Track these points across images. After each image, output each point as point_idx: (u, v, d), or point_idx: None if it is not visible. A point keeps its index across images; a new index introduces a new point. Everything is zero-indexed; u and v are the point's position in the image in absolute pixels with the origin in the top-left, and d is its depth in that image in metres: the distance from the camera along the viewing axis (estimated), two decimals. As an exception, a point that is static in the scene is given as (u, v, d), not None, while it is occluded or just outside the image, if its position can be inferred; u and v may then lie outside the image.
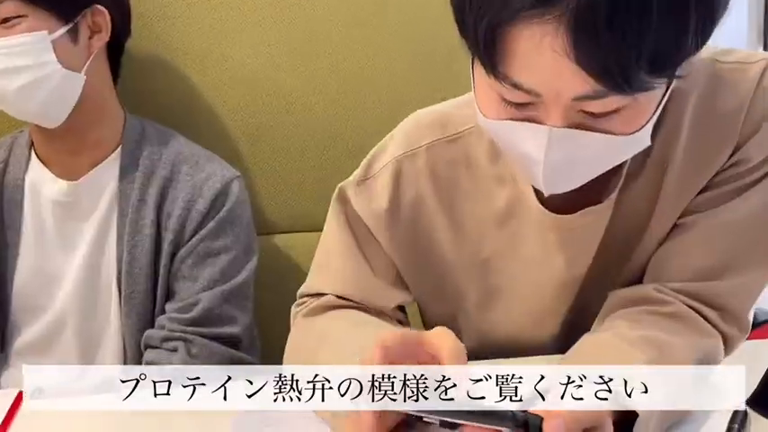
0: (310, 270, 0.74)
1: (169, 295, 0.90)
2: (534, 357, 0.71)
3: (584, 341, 0.62)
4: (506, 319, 0.70)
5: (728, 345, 0.64)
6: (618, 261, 0.67)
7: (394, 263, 0.69)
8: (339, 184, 0.71)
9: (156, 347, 0.87)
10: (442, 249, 0.69)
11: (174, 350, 0.85)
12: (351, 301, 0.69)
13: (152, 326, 0.89)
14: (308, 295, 0.73)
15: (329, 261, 0.71)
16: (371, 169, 0.69)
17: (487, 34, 0.49)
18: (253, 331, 0.96)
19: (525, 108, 0.52)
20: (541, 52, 0.47)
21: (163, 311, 0.89)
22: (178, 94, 1.08)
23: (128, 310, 0.89)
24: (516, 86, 0.50)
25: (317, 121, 1.11)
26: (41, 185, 0.91)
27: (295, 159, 1.12)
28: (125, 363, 0.90)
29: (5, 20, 0.80)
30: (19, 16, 0.80)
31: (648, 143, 0.56)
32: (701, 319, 0.62)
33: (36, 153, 0.92)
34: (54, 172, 0.91)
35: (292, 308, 0.74)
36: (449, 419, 0.45)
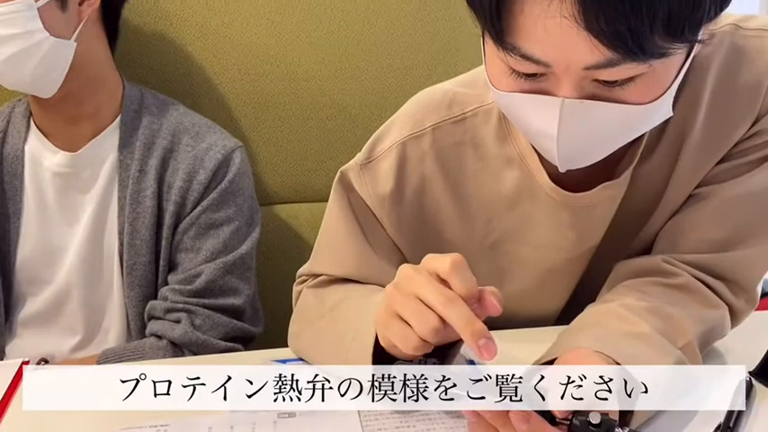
0: (312, 252, 0.73)
1: (171, 267, 0.90)
2: (539, 329, 0.71)
3: (589, 311, 0.61)
4: (514, 296, 0.69)
5: (735, 316, 0.63)
6: (629, 234, 0.66)
7: (398, 245, 0.68)
8: (341, 168, 0.69)
9: (160, 318, 0.87)
10: (449, 232, 0.68)
11: (178, 321, 0.85)
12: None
13: (155, 297, 0.89)
14: (308, 275, 0.72)
15: (331, 244, 0.70)
16: (375, 152, 0.67)
17: (494, 3, 0.47)
18: (255, 302, 0.96)
19: (536, 80, 0.51)
20: (549, 19, 0.45)
21: (166, 283, 0.89)
22: (178, 63, 1.06)
23: (130, 282, 0.89)
24: (525, 57, 0.48)
25: (319, 91, 1.09)
26: (41, 156, 0.90)
27: (297, 129, 1.10)
28: (129, 333, 0.90)
29: None
30: None
31: (670, 114, 0.54)
32: (708, 290, 0.62)
33: (35, 123, 0.91)
34: (54, 143, 0.90)
35: (294, 286, 0.74)
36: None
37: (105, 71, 0.91)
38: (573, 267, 0.68)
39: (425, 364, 0.46)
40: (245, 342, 0.91)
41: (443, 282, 0.49)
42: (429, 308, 0.48)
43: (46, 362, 0.87)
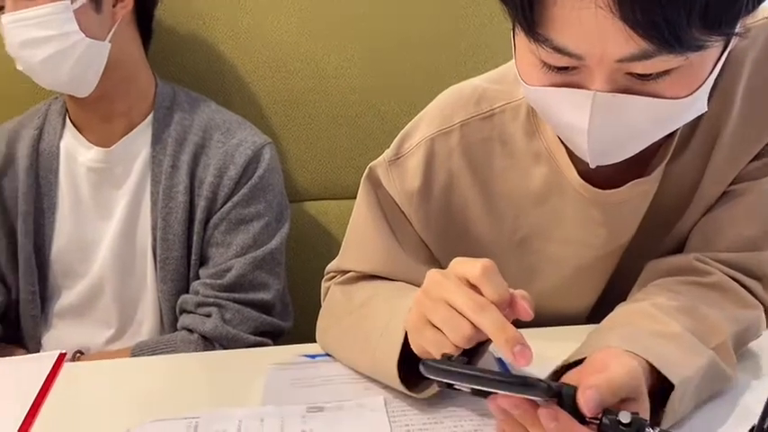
0: (341, 249, 0.73)
1: (203, 261, 0.91)
2: (569, 327, 0.70)
3: (619, 310, 0.60)
4: (543, 294, 0.69)
5: None
6: (660, 231, 0.65)
7: (425, 242, 0.68)
8: (369, 164, 0.69)
9: (191, 312, 0.88)
10: (477, 228, 0.68)
11: (208, 315, 0.87)
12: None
13: (187, 291, 0.91)
14: (336, 271, 0.73)
15: (359, 241, 0.70)
16: (403, 148, 0.67)
17: None
18: (285, 297, 0.97)
19: (568, 73, 0.50)
20: (583, 10, 0.45)
21: (197, 277, 0.91)
22: (210, 61, 1.08)
23: (163, 276, 0.90)
24: (558, 49, 0.47)
25: (348, 88, 1.10)
26: (76, 152, 0.92)
27: (326, 126, 1.11)
28: (162, 326, 0.92)
29: None
30: None
31: (704, 109, 0.53)
32: (743, 289, 0.60)
33: (71, 120, 0.93)
34: (88, 139, 0.92)
35: (322, 282, 0.75)
36: (480, 387, 0.45)
37: (139, 70, 0.93)
38: (603, 265, 0.67)
39: (454, 365, 0.45)
40: (275, 337, 0.92)
41: (473, 287, 0.49)
42: (460, 314, 0.48)
43: (81, 354, 0.89)
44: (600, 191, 0.61)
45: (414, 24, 1.08)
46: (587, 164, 0.56)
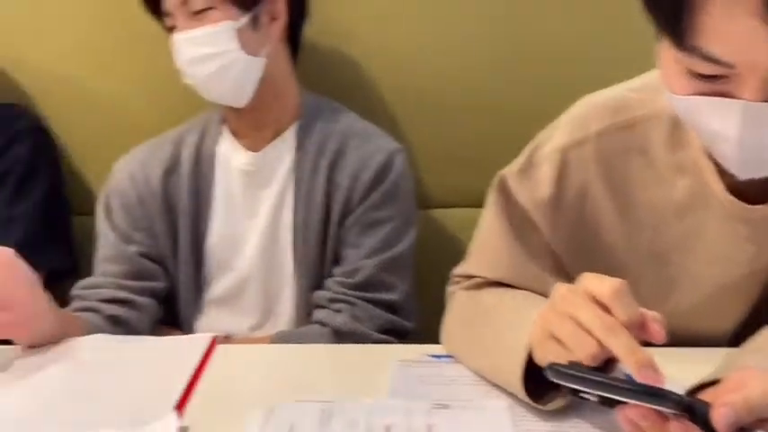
0: (467, 255, 0.75)
1: (337, 260, 0.97)
2: (706, 349, 0.67)
3: (764, 332, 0.57)
4: (680, 311, 0.66)
5: None
6: None
7: (554, 251, 0.68)
8: (499, 172, 0.70)
9: (324, 307, 0.94)
10: (611, 239, 0.66)
11: (339, 311, 0.92)
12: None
13: (321, 287, 0.96)
14: (462, 276, 0.74)
15: (486, 247, 0.71)
16: (535, 157, 0.68)
17: (675, 3, 0.46)
18: (411, 299, 1.00)
19: (716, 81, 0.49)
20: (734, 17, 0.44)
21: (331, 274, 0.96)
22: (349, 73, 1.14)
23: (301, 272, 0.97)
24: (707, 58, 0.46)
25: (480, 97, 1.12)
26: (230, 156, 1.00)
27: (457, 136, 1.13)
28: (298, 318, 0.98)
29: (197, 12, 0.89)
30: (208, 8, 0.89)
31: None
32: None
33: (228, 127, 1.02)
34: (242, 144, 1.00)
35: (448, 286, 0.77)
36: (608, 395, 0.44)
37: (287, 82, 1.00)
38: (749, 284, 0.64)
39: (582, 371, 0.45)
40: (400, 336, 0.95)
41: (602, 306, 0.48)
42: (587, 332, 0.48)
43: (228, 338, 0.97)
44: (748, 206, 0.59)
45: (551, 31, 1.08)
46: (735, 177, 0.54)
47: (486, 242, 0.72)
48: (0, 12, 1.15)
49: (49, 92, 1.18)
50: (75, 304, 0.92)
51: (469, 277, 0.73)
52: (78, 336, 0.78)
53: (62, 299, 0.91)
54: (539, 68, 1.09)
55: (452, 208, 1.17)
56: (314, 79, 1.11)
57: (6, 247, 0.71)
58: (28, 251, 0.75)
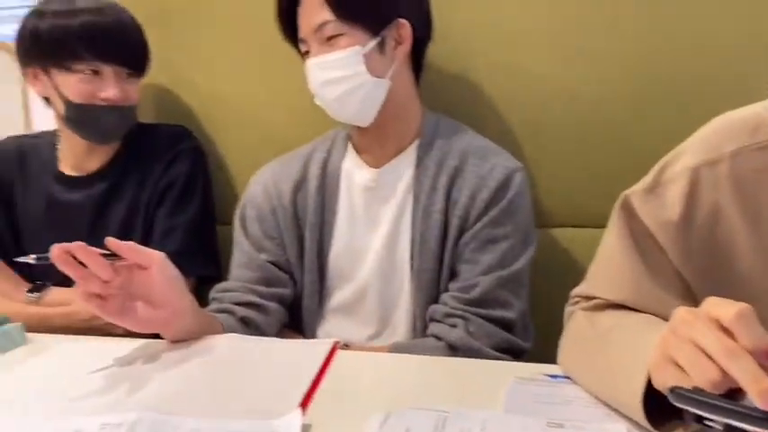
0: (587, 274, 0.74)
1: (453, 275, 0.98)
2: None
3: None
4: None
5: None
6: None
7: (680, 274, 0.66)
8: (624, 192, 0.69)
9: (440, 321, 0.95)
10: (744, 264, 0.63)
11: (455, 326, 0.93)
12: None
13: (437, 301, 0.98)
14: (581, 296, 0.73)
15: (608, 268, 0.70)
16: (663, 177, 0.66)
17: None
18: (526, 318, 1.00)
19: None
20: None
21: (447, 289, 0.98)
22: (469, 92, 1.16)
23: (417, 285, 0.99)
24: None
25: (602, 116, 1.10)
26: (354, 172, 1.05)
27: (578, 155, 1.12)
28: (414, 331, 1.01)
29: (328, 38, 0.96)
30: (339, 35, 0.95)
31: None
32: None
33: (352, 145, 1.07)
34: (365, 160, 1.05)
35: (566, 306, 0.76)
36: (735, 423, 0.42)
37: (410, 102, 1.04)
38: None
39: (707, 396, 0.44)
40: (515, 355, 0.95)
41: (726, 331, 0.46)
42: (708, 357, 0.46)
43: (347, 346, 1.02)
44: None
45: (677, 56, 1.05)
46: None
47: (607, 263, 0.70)
48: (171, 42, 1.29)
49: (202, 111, 1.31)
50: (213, 306, 1.00)
51: (589, 298, 0.72)
52: (216, 334, 0.86)
53: (207, 302, 1.01)
54: (669, 92, 1.05)
55: (573, 227, 1.14)
56: (435, 97, 1.14)
57: (158, 252, 0.80)
58: (180, 259, 0.84)
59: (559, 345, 0.73)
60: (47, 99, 1.16)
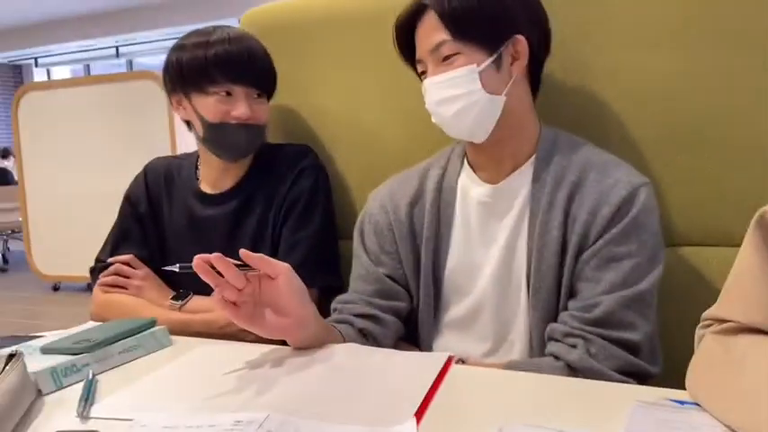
0: (720, 296, 0.70)
1: (572, 293, 0.96)
2: None
3: None
4: None
5: None
6: None
7: None
8: (760, 209, 0.65)
9: (558, 341, 0.93)
10: None
11: (574, 346, 0.90)
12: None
13: (555, 319, 0.96)
14: (713, 319, 0.69)
15: (743, 290, 0.66)
16: None
17: None
18: (654, 341, 0.95)
19: None
20: None
21: (566, 308, 0.95)
22: (589, 106, 1.13)
23: (534, 303, 0.97)
24: None
25: (736, 132, 1.03)
26: (469, 189, 1.06)
27: (711, 170, 1.05)
28: (531, 349, 0.99)
29: (445, 58, 0.98)
30: (455, 54, 0.97)
31: None
32: None
33: (468, 162, 1.08)
34: (480, 177, 1.05)
35: (696, 329, 0.72)
36: None
37: (527, 118, 1.03)
38: None
39: None
40: (640, 380, 0.90)
41: None
42: None
43: (462, 361, 1.02)
44: None
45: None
46: None
47: (742, 284, 0.66)
48: (298, 68, 1.38)
49: (325, 132, 1.39)
50: (334, 316, 1.05)
51: (721, 321, 0.67)
52: (336, 343, 0.90)
53: (330, 312, 1.06)
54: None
55: (703, 246, 1.07)
56: (553, 112, 1.12)
57: (285, 263, 0.86)
58: (304, 271, 0.90)
59: (688, 369, 0.69)
60: (188, 123, 1.29)
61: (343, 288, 1.17)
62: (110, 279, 1.27)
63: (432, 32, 0.98)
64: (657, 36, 1.08)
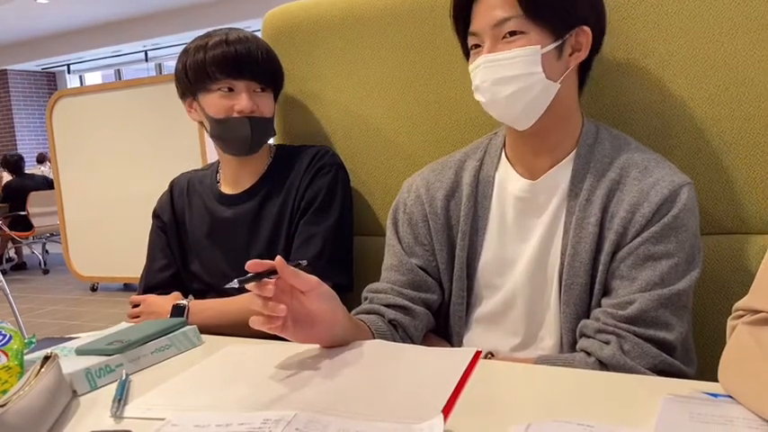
0: (752, 286, 0.68)
1: (606, 291, 0.94)
2: None
3: None
4: None
5: None
6: None
7: None
8: None
9: (590, 337, 0.91)
10: None
11: (607, 343, 0.89)
12: None
13: (587, 316, 0.95)
14: (745, 309, 0.67)
15: None
16: None
17: None
18: (688, 342, 0.93)
19: None
20: None
21: (598, 305, 0.94)
22: (637, 97, 1.11)
23: (566, 299, 0.96)
24: None
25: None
26: (507, 182, 1.04)
27: (746, 157, 1.03)
28: (561, 345, 0.98)
29: (510, 33, 0.93)
30: (520, 32, 0.93)
31: None
32: None
33: (506, 154, 1.07)
34: (518, 171, 1.04)
35: (728, 320, 0.70)
36: None
37: (572, 110, 1.01)
38: None
39: None
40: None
41: None
42: None
43: (492, 355, 1.02)
44: None
45: None
46: None
47: None
48: (319, 71, 1.39)
49: (346, 133, 1.40)
50: (365, 305, 1.06)
51: (754, 311, 0.66)
52: (365, 339, 0.91)
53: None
54: None
55: (739, 234, 1.05)
56: (596, 107, 1.10)
57: (312, 276, 0.86)
58: (317, 266, 0.90)
59: (720, 361, 0.67)
60: (201, 124, 1.33)
61: (352, 287, 1.17)
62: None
63: (498, 6, 0.94)
64: (711, 23, 1.05)
